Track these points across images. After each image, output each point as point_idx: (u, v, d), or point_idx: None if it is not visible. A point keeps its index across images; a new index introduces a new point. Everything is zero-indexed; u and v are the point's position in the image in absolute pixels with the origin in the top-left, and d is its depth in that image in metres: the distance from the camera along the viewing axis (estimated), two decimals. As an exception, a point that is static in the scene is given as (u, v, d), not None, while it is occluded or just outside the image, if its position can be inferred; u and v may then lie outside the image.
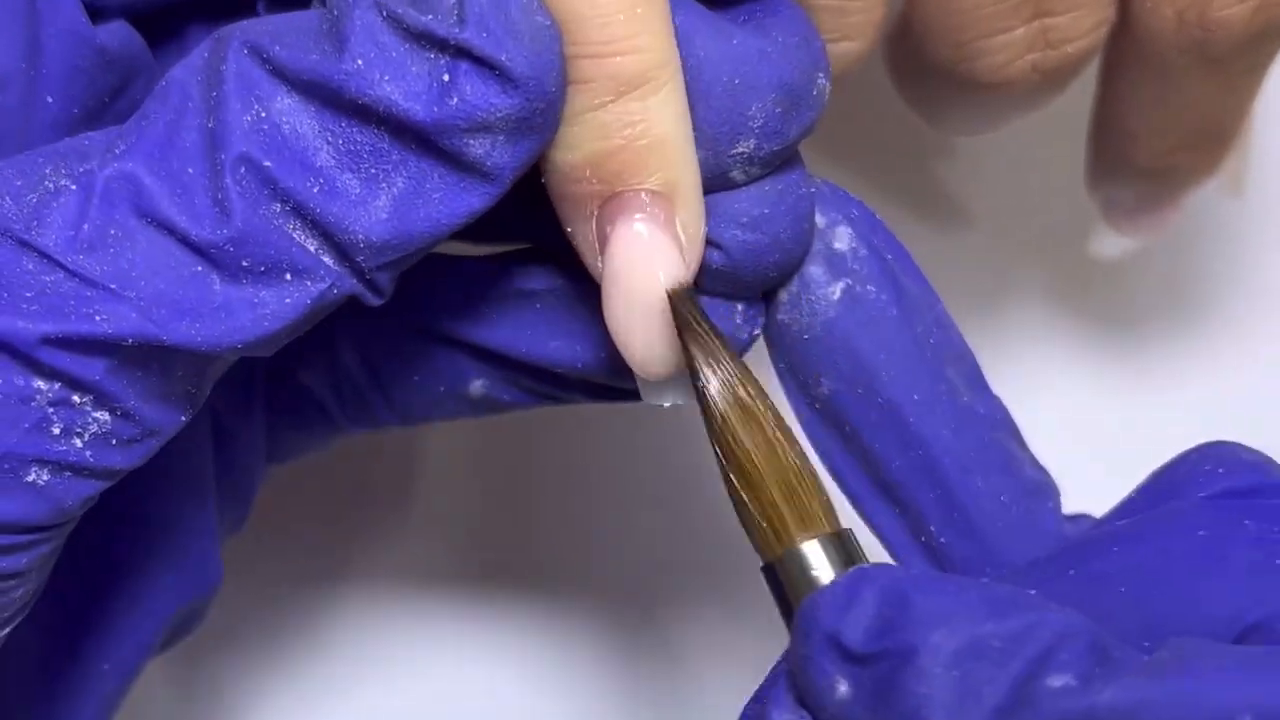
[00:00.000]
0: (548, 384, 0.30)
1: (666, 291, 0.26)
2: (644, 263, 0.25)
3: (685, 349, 0.25)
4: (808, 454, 0.26)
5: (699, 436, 0.43)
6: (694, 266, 0.26)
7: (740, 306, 0.27)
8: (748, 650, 0.43)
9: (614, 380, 0.29)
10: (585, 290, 0.28)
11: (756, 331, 0.28)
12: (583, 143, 0.25)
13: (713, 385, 0.25)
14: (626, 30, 0.24)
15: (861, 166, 0.45)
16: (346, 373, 0.31)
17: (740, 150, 0.26)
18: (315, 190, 0.23)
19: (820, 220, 0.27)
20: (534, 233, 0.29)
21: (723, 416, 0.25)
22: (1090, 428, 0.45)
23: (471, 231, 0.28)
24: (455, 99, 0.23)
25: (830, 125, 0.43)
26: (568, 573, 0.43)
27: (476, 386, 0.30)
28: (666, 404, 0.27)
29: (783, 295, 0.27)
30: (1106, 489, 0.44)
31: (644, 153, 0.25)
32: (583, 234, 0.25)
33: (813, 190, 0.27)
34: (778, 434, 0.25)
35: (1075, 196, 0.40)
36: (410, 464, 0.44)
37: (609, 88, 0.24)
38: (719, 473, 0.26)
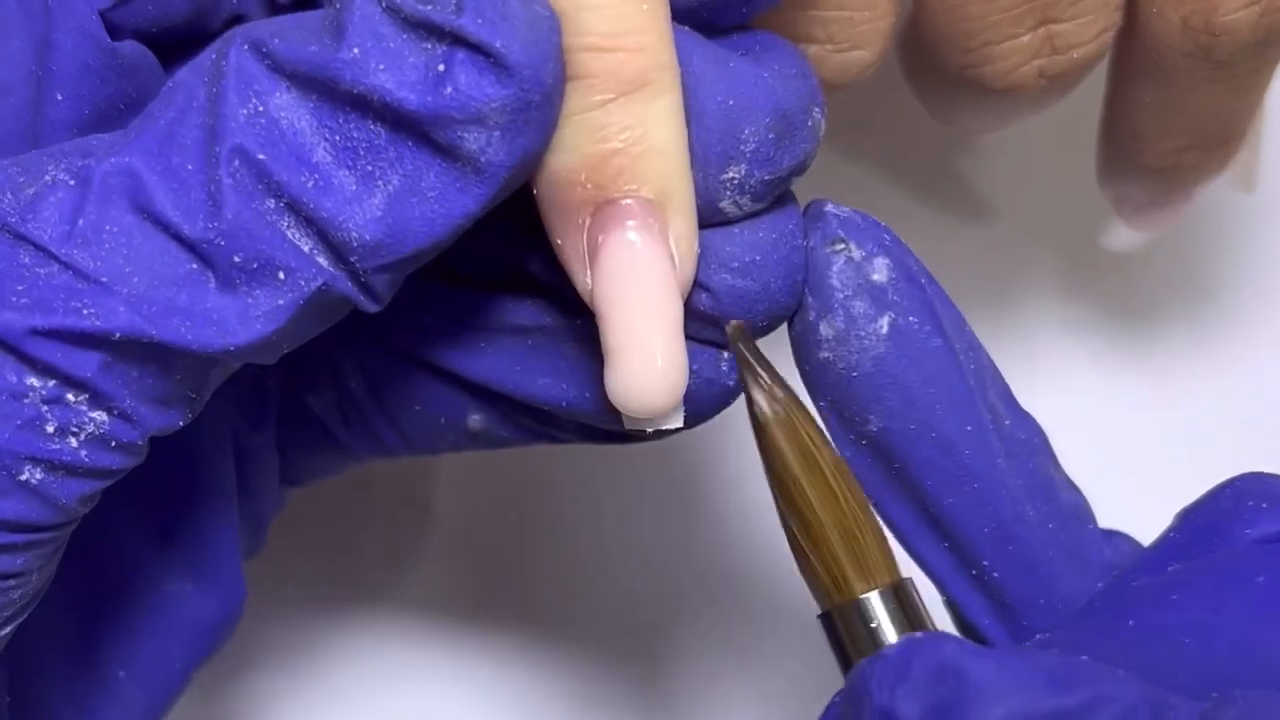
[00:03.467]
0: (540, 421, 0.30)
1: (727, 328, 0.25)
2: (635, 272, 0.24)
3: (746, 391, 0.25)
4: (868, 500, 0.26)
5: (717, 463, 0.44)
6: (685, 285, 0.25)
7: (726, 354, 0.27)
8: (759, 670, 0.44)
9: (599, 421, 0.28)
10: (574, 329, 0.28)
11: None
12: (579, 144, 0.24)
13: (776, 431, 0.25)
14: (631, 25, 0.24)
15: (882, 161, 0.45)
16: (352, 399, 0.31)
17: (731, 175, 0.25)
18: (310, 185, 0.23)
19: (857, 252, 0.26)
20: (526, 262, 0.29)
21: (784, 463, 0.25)
22: (1106, 418, 0.45)
23: (466, 260, 0.28)
24: (449, 88, 0.23)
25: (852, 122, 0.44)
26: (581, 595, 0.44)
27: (475, 421, 0.30)
28: (649, 430, 0.27)
29: (826, 332, 0.26)
30: (1120, 480, 0.45)
31: (641, 159, 0.24)
32: (572, 245, 0.25)
33: (808, 243, 0.27)
34: (839, 481, 0.25)
35: (1092, 190, 0.40)
36: (422, 487, 0.44)
37: (610, 85, 0.24)
38: (777, 517, 0.25)
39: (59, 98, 0.26)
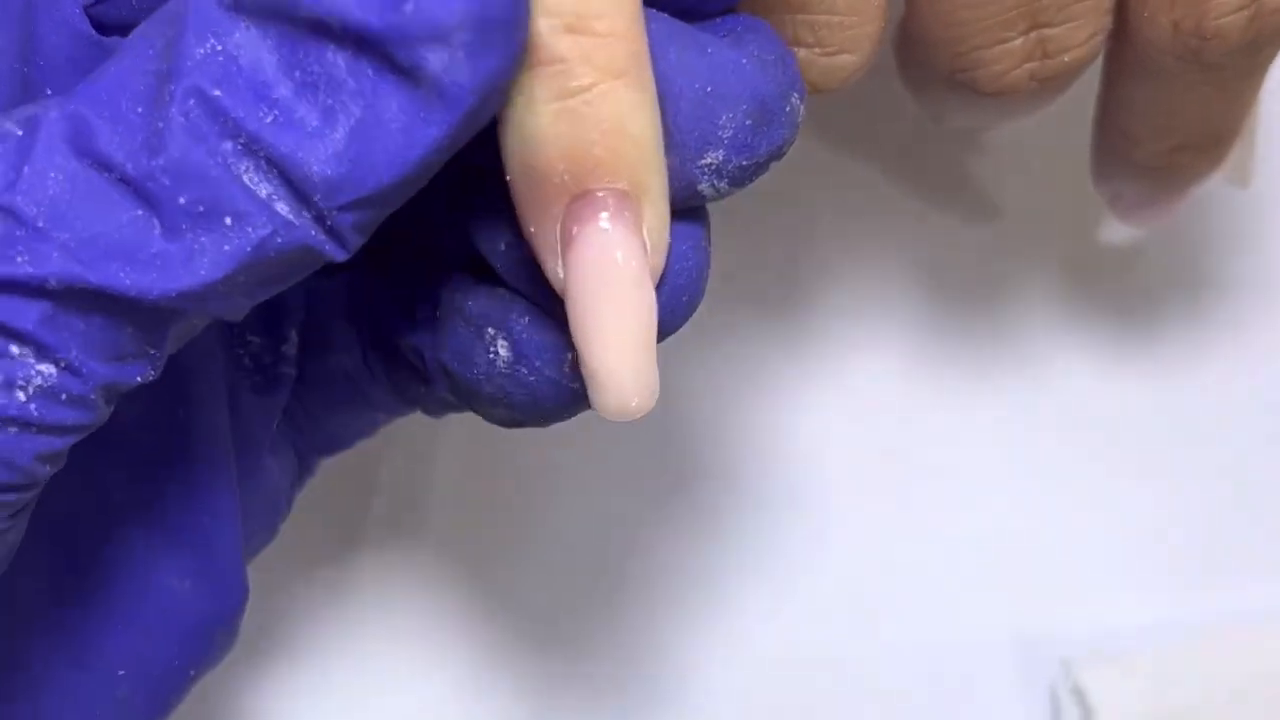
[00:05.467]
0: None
1: None
2: (609, 265, 0.24)
3: None
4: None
5: (712, 451, 0.44)
6: (655, 274, 0.25)
7: None
8: (753, 652, 0.45)
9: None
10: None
11: None
12: (557, 133, 0.24)
13: None
14: (603, 8, 0.24)
15: (885, 159, 0.45)
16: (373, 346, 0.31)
17: (709, 161, 0.25)
18: (269, 122, 0.22)
19: None
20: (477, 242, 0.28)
21: None
22: (1108, 415, 0.46)
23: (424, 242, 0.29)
24: (410, 6, 0.22)
25: (854, 119, 0.44)
26: (576, 582, 0.44)
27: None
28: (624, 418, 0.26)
29: None
30: (1121, 478, 0.45)
31: (619, 150, 0.24)
32: (545, 235, 0.25)
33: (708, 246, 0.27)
34: None
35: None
36: (415, 476, 0.44)
37: (585, 73, 0.24)
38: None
39: (48, 92, 0.26)
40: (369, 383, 0.32)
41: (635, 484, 0.44)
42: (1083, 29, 0.32)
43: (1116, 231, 0.42)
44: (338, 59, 0.23)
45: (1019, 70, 0.32)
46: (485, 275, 0.28)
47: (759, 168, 0.26)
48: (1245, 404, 0.45)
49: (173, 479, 0.30)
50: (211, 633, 0.31)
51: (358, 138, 0.23)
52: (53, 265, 0.23)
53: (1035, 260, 0.46)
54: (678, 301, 0.27)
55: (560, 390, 0.28)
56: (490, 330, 0.28)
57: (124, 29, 0.27)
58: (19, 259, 0.23)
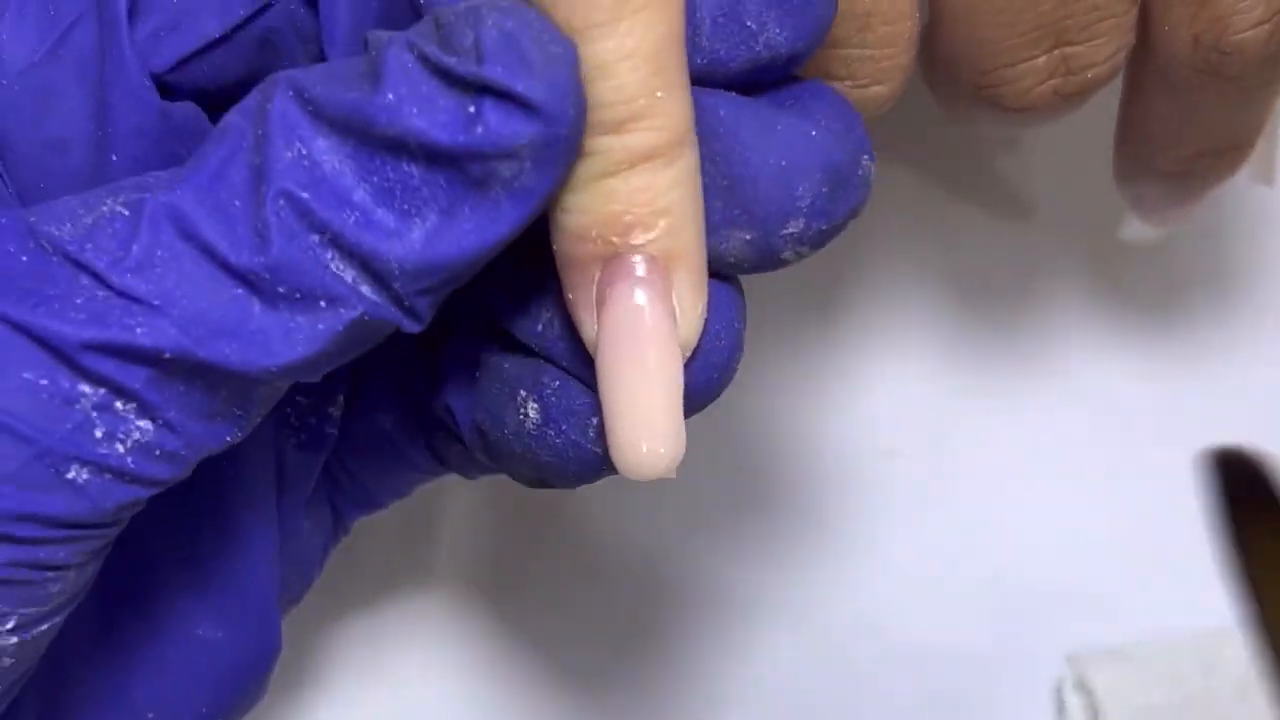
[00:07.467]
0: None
1: (1215, 454, 0.24)
2: (637, 328, 0.26)
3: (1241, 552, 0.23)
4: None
5: (721, 481, 0.45)
6: (687, 344, 0.27)
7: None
8: (763, 686, 0.45)
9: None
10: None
11: None
12: (592, 206, 0.25)
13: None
14: (647, 111, 0.25)
15: (916, 158, 0.46)
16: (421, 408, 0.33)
17: (790, 230, 0.26)
18: (352, 223, 0.24)
19: None
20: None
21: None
22: (1139, 413, 0.46)
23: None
24: (480, 129, 0.24)
25: (886, 118, 0.44)
26: (585, 601, 0.45)
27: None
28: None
29: None
30: (1152, 475, 0.45)
31: (648, 219, 0.25)
32: (584, 298, 0.26)
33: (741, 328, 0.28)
34: None
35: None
36: (427, 499, 0.44)
37: (623, 159, 0.25)
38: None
39: (114, 158, 0.28)
40: (407, 444, 0.33)
41: (654, 489, 0.44)
42: (1105, 47, 0.33)
43: (1138, 230, 0.43)
44: (412, 169, 0.24)
45: (1042, 87, 0.33)
46: (518, 340, 0.29)
47: (837, 230, 0.27)
48: (1271, 400, 0.46)
49: (214, 531, 0.32)
50: (244, 685, 0.32)
51: (433, 239, 0.25)
52: (168, 339, 0.24)
53: (1064, 258, 0.46)
54: (710, 375, 0.27)
55: (584, 454, 0.28)
56: (522, 392, 0.29)
57: (195, 91, 0.29)
58: (138, 329, 0.24)
